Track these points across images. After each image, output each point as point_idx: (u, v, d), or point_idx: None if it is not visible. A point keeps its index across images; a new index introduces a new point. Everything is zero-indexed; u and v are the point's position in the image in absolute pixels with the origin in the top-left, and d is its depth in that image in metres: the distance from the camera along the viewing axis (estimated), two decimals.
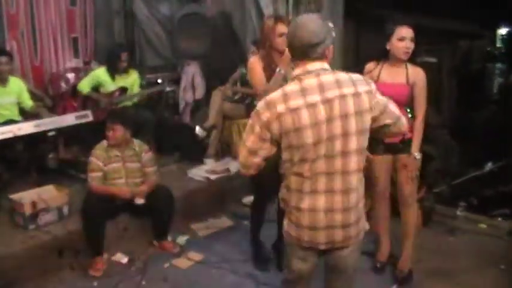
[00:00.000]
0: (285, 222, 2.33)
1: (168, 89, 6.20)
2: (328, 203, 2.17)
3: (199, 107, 6.54)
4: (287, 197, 2.27)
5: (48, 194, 4.21)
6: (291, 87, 2.15)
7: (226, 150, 5.74)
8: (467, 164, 5.43)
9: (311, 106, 2.09)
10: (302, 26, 2.14)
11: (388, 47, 3.35)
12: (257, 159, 2.22)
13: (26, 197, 4.08)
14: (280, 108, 2.11)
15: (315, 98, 2.10)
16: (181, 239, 4.37)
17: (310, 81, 2.13)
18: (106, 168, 4.09)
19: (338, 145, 2.12)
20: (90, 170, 4.07)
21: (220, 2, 6.64)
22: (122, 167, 4.14)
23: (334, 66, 2.23)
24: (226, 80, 5.90)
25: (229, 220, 4.77)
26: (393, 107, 2.29)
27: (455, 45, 6.89)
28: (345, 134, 2.12)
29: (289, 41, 2.20)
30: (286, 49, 3.26)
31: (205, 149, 5.71)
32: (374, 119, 2.20)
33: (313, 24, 2.13)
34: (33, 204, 3.98)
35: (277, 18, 3.38)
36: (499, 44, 7.12)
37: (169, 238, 4.28)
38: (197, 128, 5.75)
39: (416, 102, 3.38)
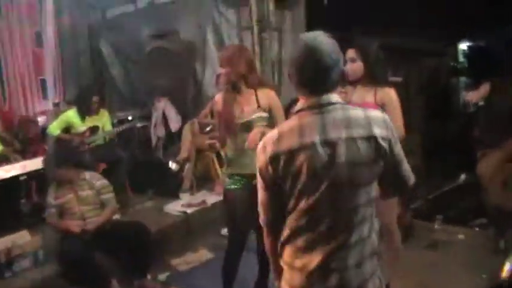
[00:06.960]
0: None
1: (139, 125, 6.19)
2: (324, 261, 1.78)
3: (173, 141, 6.52)
4: (281, 251, 1.89)
5: (23, 240, 4.11)
6: (288, 124, 1.80)
7: (202, 183, 5.73)
8: (441, 178, 5.49)
9: (308, 148, 1.72)
10: (315, 46, 1.72)
11: None
12: (270, 215, 1.87)
13: (0, 244, 3.98)
14: (273, 149, 1.76)
15: (314, 138, 1.72)
16: (162, 276, 4.29)
17: (311, 118, 1.75)
18: (57, 201, 4.07)
19: (342, 197, 1.74)
20: (46, 207, 4.13)
21: (188, 35, 6.66)
22: (73, 197, 4.10)
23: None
24: (193, 112, 5.94)
25: (209, 253, 4.71)
26: (405, 172, 1.85)
27: (420, 63, 7.04)
28: (351, 185, 1.73)
29: (297, 67, 1.77)
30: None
31: (180, 184, 5.68)
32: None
33: (326, 43, 1.73)
34: (8, 250, 3.89)
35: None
36: (461, 59, 7.33)
37: (149, 276, 4.17)
38: (170, 162, 5.74)
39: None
